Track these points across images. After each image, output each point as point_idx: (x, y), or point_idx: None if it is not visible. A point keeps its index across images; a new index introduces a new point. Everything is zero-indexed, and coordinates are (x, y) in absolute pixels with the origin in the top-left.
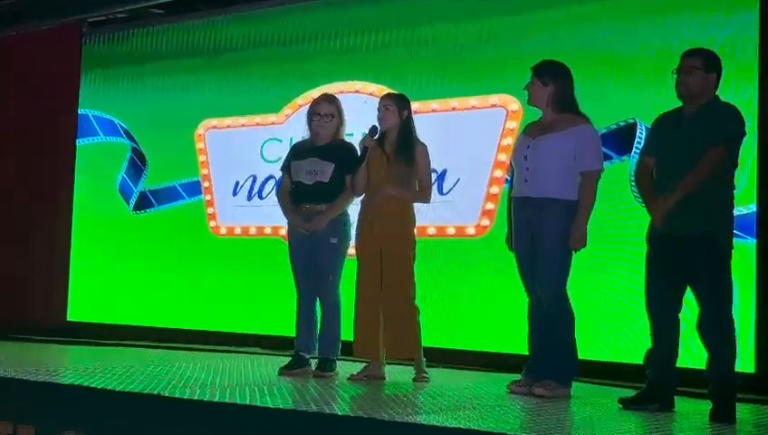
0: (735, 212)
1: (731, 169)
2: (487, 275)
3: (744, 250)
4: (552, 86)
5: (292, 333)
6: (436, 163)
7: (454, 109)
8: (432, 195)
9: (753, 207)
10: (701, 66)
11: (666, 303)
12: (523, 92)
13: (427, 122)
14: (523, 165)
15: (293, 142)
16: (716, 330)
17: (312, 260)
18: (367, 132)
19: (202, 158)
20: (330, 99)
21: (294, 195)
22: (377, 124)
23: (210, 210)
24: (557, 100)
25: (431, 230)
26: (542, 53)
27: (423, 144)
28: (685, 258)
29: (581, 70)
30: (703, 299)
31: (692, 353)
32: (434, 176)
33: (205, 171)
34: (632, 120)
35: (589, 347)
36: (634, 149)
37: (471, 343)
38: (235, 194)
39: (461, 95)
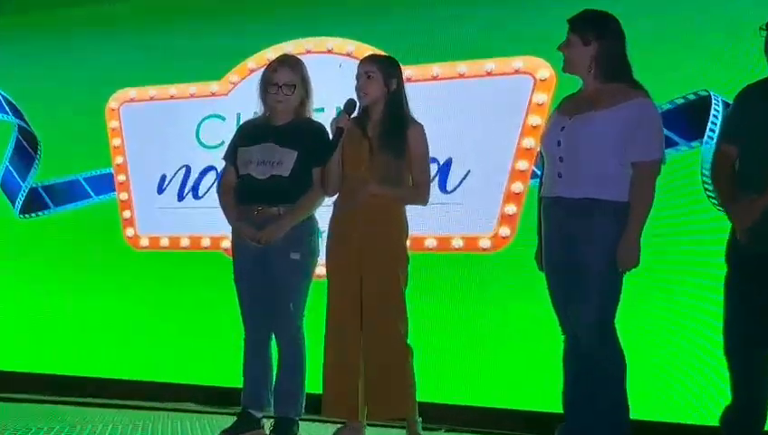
0: None
1: None
2: (507, 304)
3: None
4: (596, 45)
5: (239, 384)
6: (438, 151)
7: (462, 75)
8: (431, 194)
9: None
10: None
11: (753, 343)
12: (558, 54)
13: (426, 94)
14: (556, 154)
15: (242, 121)
16: None
17: (265, 283)
18: (342, 108)
19: (116, 141)
20: (291, 62)
21: (242, 193)
22: (355, 98)
23: (127, 214)
24: (603, 64)
25: (431, 242)
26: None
27: (419, 125)
28: None
29: (634, 24)
30: None
31: None
32: (434, 168)
33: (119, 160)
34: (705, 93)
35: (642, 403)
36: (707, 133)
37: (483, 397)
38: (160, 191)
39: (472, 57)
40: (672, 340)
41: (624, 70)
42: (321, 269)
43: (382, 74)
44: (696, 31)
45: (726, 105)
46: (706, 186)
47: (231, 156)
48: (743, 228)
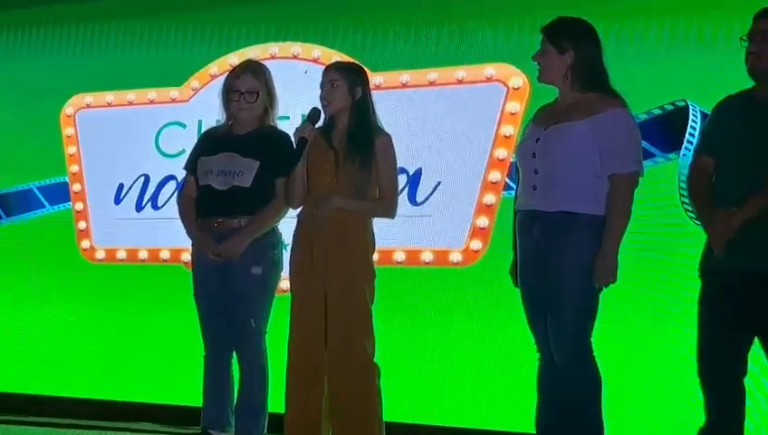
0: None
1: None
2: (479, 320)
3: None
4: (572, 54)
5: (198, 403)
6: (408, 161)
7: (432, 83)
8: (400, 206)
9: None
10: None
11: (726, 363)
12: (531, 61)
13: (395, 103)
14: (531, 166)
15: (203, 128)
16: None
17: (226, 298)
18: (305, 118)
19: (71, 149)
20: (254, 68)
21: (202, 205)
22: (318, 107)
23: (82, 225)
24: (579, 73)
25: (399, 256)
26: (557, 7)
27: (386, 135)
28: (754, 301)
29: (609, 29)
30: None
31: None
32: (403, 179)
33: (75, 168)
34: (683, 104)
35: (619, 425)
36: (685, 144)
37: (454, 416)
38: (118, 202)
39: (443, 64)
40: (646, 359)
41: (601, 78)
42: (284, 283)
43: (347, 83)
44: (675, 40)
45: (705, 116)
46: (684, 198)
47: (192, 166)
48: (720, 243)
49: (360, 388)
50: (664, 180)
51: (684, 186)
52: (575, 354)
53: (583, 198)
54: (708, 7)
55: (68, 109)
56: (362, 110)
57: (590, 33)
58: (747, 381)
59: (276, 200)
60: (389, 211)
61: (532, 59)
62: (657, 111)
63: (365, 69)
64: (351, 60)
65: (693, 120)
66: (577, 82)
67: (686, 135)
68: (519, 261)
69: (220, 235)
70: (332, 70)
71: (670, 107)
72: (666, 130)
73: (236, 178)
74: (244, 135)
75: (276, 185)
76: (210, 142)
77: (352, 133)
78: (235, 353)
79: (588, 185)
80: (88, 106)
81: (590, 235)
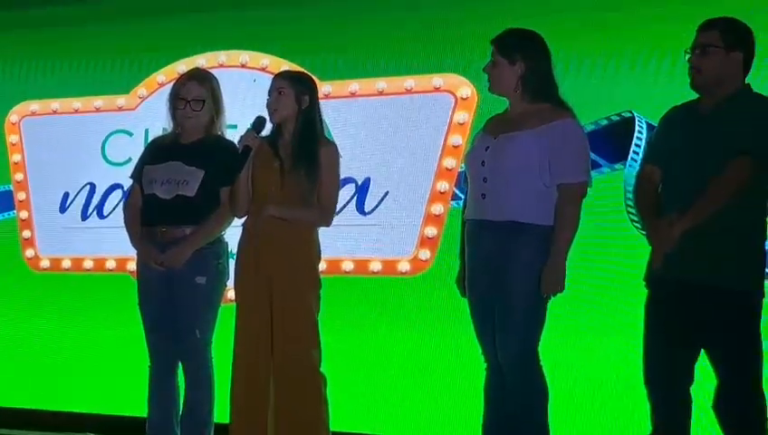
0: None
1: (764, 187)
2: (427, 330)
3: None
4: (522, 65)
5: (143, 413)
6: (356, 170)
7: (381, 93)
8: (348, 215)
9: None
10: (719, 43)
11: (671, 372)
12: (479, 72)
13: (344, 112)
14: (481, 174)
15: (150, 137)
16: (742, 409)
17: (170, 309)
18: (250, 126)
19: (16, 157)
20: (200, 76)
21: (146, 214)
22: (264, 115)
23: (26, 233)
24: (529, 84)
25: (347, 266)
26: (505, 19)
27: (332, 144)
28: (701, 312)
29: (556, 41)
30: (724, 367)
31: None
32: (352, 188)
33: (19, 177)
34: (629, 115)
35: (564, 433)
36: (631, 154)
37: (402, 427)
38: (63, 210)
39: (391, 74)
40: (592, 368)
41: (550, 89)
42: (230, 293)
43: (294, 91)
44: (620, 50)
45: (651, 127)
46: (630, 208)
47: (138, 174)
48: (662, 253)
49: (306, 397)
50: (610, 191)
51: (630, 196)
52: (522, 364)
53: (532, 207)
54: (655, 21)
55: (12, 116)
56: (309, 119)
57: (540, 45)
58: (694, 389)
59: (221, 209)
60: (324, 218)
61: (483, 70)
62: (604, 122)
63: (314, 78)
64: (301, 69)
65: (639, 131)
66: (527, 93)
67: (633, 146)
68: (467, 270)
69: (164, 244)
70: (281, 78)
71: (616, 118)
72: (612, 140)
73: (181, 187)
74: (189, 144)
75: (221, 194)
76: (156, 151)
77: (298, 142)
78: (180, 365)
79: (537, 195)
80: (33, 113)
81: (538, 244)
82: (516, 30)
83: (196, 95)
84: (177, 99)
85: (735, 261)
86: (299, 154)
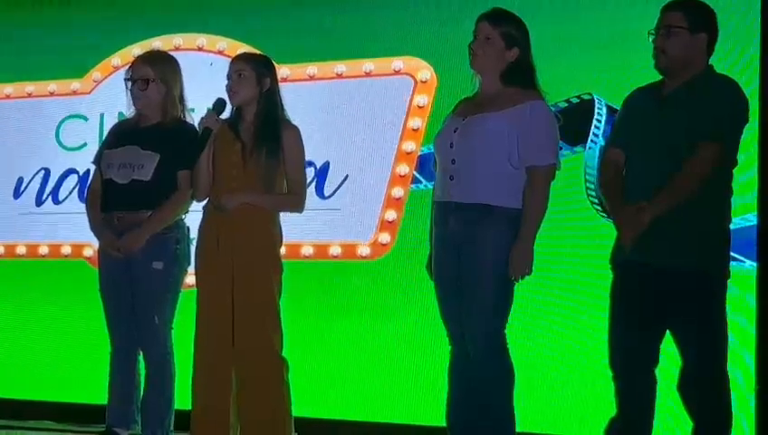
0: (731, 226)
1: (729, 170)
2: (388, 314)
3: (740, 277)
4: (517, 51)
5: (103, 401)
6: (315, 154)
7: (340, 76)
8: (308, 199)
9: (752, 219)
10: (684, 24)
11: (636, 354)
12: (438, 55)
13: (303, 95)
14: (449, 156)
15: (105, 121)
16: (706, 390)
17: (129, 295)
18: (210, 108)
19: None
20: (150, 57)
21: (104, 199)
22: (224, 97)
23: None
24: (516, 70)
25: (307, 250)
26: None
27: (294, 127)
28: (664, 295)
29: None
30: (688, 349)
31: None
32: (311, 172)
33: None
34: (588, 97)
35: (530, 417)
36: (591, 137)
37: (364, 411)
38: (17, 196)
39: (350, 57)
40: (557, 352)
41: (528, 73)
42: (191, 278)
43: (255, 73)
44: (581, 33)
45: (611, 109)
46: (590, 192)
47: (98, 159)
48: (628, 239)
49: (268, 383)
50: (569, 173)
51: (591, 179)
52: (489, 347)
53: (500, 190)
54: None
55: None
56: (270, 101)
57: (527, 31)
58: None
59: (178, 193)
60: (298, 206)
61: (470, 46)
62: (564, 105)
63: (272, 60)
64: (258, 52)
65: (598, 114)
66: (509, 76)
67: (592, 128)
68: (434, 252)
69: (122, 229)
70: (240, 60)
71: (576, 100)
72: (572, 123)
73: (136, 171)
74: (146, 127)
75: (179, 178)
76: (116, 135)
77: (260, 124)
78: (140, 351)
79: (505, 177)
80: None
81: (506, 227)
82: (514, 16)
83: (142, 75)
84: (126, 79)
85: (698, 243)
86: (262, 135)
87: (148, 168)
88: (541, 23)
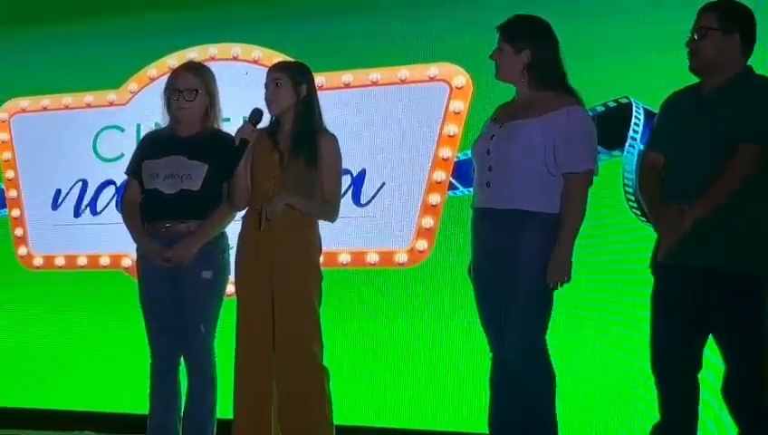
0: None
1: None
2: (426, 321)
3: None
4: (529, 53)
5: (145, 410)
6: (352, 162)
7: (375, 83)
8: (344, 207)
9: None
10: (716, 25)
11: (679, 358)
12: (476, 59)
13: (338, 103)
14: (486, 163)
15: (142, 132)
16: (750, 394)
17: (174, 304)
18: (246, 118)
19: (6, 154)
20: (195, 68)
21: (149, 210)
22: (260, 107)
23: (18, 231)
24: (536, 72)
25: (344, 258)
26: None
27: (332, 135)
28: (707, 298)
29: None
30: (732, 353)
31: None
32: (347, 180)
33: (10, 174)
34: (626, 101)
35: (573, 425)
36: (629, 141)
37: (404, 418)
38: (55, 207)
39: (386, 64)
40: (599, 358)
41: (558, 76)
42: (230, 287)
43: (291, 81)
44: (618, 38)
45: (648, 113)
46: (629, 196)
47: (135, 169)
48: (672, 241)
49: (309, 392)
50: (608, 178)
51: (629, 183)
52: (529, 353)
53: (537, 195)
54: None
55: (2, 114)
56: (307, 108)
57: (547, 32)
58: (704, 374)
59: (226, 203)
60: (331, 214)
61: (490, 58)
62: (600, 108)
63: (309, 68)
64: (294, 60)
65: (636, 117)
66: (534, 81)
67: (630, 132)
68: (473, 259)
69: (168, 239)
70: (277, 69)
71: (613, 104)
72: (609, 127)
73: (185, 181)
74: (188, 137)
75: (223, 188)
76: (154, 145)
77: (298, 132)
78: (183, 361)
79: (542, 183)
80: (23, 110)
81: (543, 233)
82: (522, 17)
83: (189, 85)
84: (171, 90)
85: (743, 245)
86: (298, 143)
87: (196, 178)
88: (576, 26)
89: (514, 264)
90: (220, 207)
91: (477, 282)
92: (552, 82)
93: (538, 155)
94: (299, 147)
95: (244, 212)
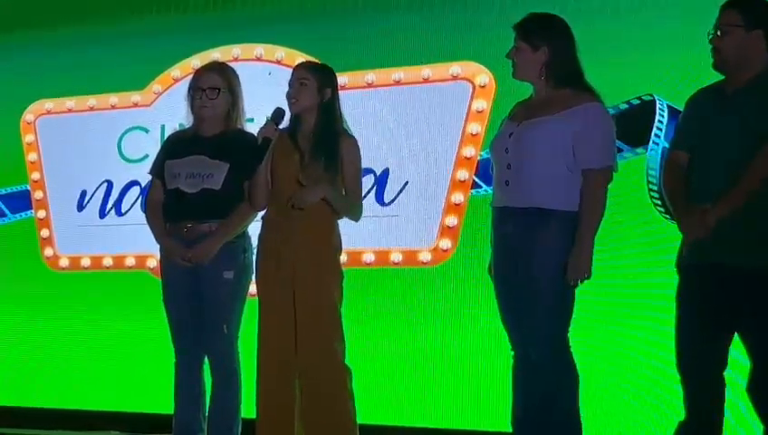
0: None
1: None
2: (450, 320)
3: None
4: (546, 51)
5: (170, 410)
6: (376, 161)
7: (398, 82)
8: (367, 206)
9: None
10: (738, 22)
11: (705, 357)
12: (497, 58)
13: (361, 103)
14: (504, 161)
15: (166, 133)
16: None
17: (197, 304)
18: (269, 118)
19: (32, 156)
20: (218, 67)
21: (171, 209)
22: (283, 107)
23: (45, 233)
24: (553, 70)
25: (368, 257)
26: (523, 3)
27: (352, 138)
28: (732, 296)
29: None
30: (757, 351)
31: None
32: (371, 179)
33: (36, 176)
34: (649, 98)
35: (596, 423)
36: (653, 139)
37: (427, 417)
38: (81, 208)
39: (408, 63)
40: (623, 356)
41: (575, 74)
42: (252, 287)
43: (317, 83)
44: (641, 35)
45: (672, 110)
46: (652, 193)
47: (158, 169)
48: (695, 239)
49: (331, 391)
50: (632, 175)
51: (653, 181)
52: (552, 351)
53: (556, 193)
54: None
55: (28, 116)
56: (329, 111)
57: (563, 29)
58: (729, 373)
59: (246, 203)
60: (358, 213)
61: (507, 57)
62: (624, 106)
63: (334, 72)
64: (317, 61)
65: (660, 115)
66: (551, 79)
67: (654, 130)
68: (493, 257)
69: (190, 239)
70: (303, 68)
71: (636, 102)
72: (633, 124)
73: (206, 180)
74: (210, 137)
75: (245, 188)
76: (177, 145)
77: (318, 134)
78: (207, 360)
79: (561, 180)
80: (48, 112)
81: (563, 231)
82: (538, 15)
83: (212, 84)
84: (194, 89)
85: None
86: (319, 146)
87: (217, 177)
88: (600, 23)
89: (534, 262)
90: (240, 207)
91: (497, 280)
92: (569, 79)
93: (557, 152)
94: (319, 149)
95: (263, 213)
